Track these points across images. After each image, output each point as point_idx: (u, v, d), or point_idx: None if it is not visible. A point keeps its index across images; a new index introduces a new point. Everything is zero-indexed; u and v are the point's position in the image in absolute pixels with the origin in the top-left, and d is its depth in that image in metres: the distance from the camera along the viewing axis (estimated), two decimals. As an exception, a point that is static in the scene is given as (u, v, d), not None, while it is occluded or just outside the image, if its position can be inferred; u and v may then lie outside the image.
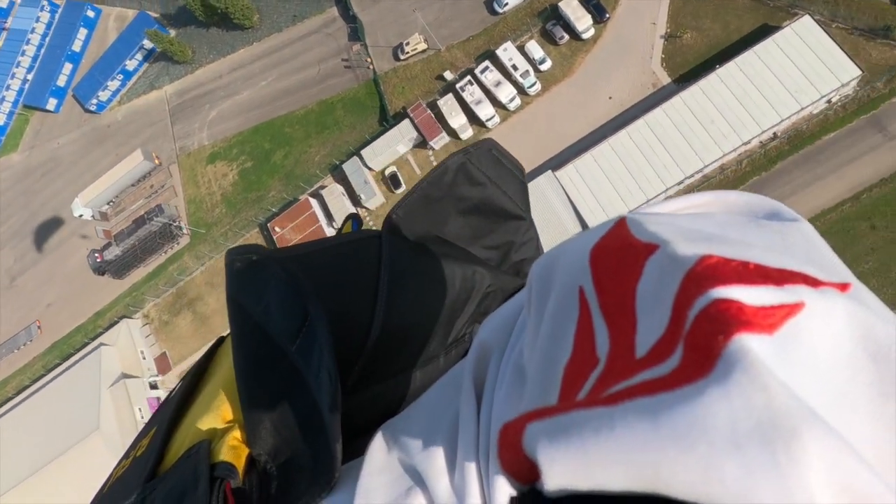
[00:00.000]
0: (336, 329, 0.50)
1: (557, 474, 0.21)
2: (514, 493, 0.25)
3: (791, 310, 0.21)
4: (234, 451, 0.52)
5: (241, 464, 0.51)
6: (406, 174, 23.20)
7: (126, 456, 0.63)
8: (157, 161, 29.31)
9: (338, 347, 0.50)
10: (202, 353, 0.64)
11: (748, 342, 0.21)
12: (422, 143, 23.20)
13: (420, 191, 0.61)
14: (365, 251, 0.58)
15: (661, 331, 0.23)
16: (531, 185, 20.30)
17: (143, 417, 23.63)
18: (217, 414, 0.55)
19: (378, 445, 0.46)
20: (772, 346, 0.21)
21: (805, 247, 0.28)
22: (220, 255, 26.37)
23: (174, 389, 0.63)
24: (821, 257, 0.28)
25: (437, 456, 0.40)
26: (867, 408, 0.22)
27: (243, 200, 26.93)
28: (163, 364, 25.81)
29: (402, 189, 22.80)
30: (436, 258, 0.61)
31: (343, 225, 0.75)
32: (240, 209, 26.75)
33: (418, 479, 0.41)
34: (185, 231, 27.60)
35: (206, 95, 30.15)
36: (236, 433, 0.53)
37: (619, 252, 0.27)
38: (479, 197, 0.65)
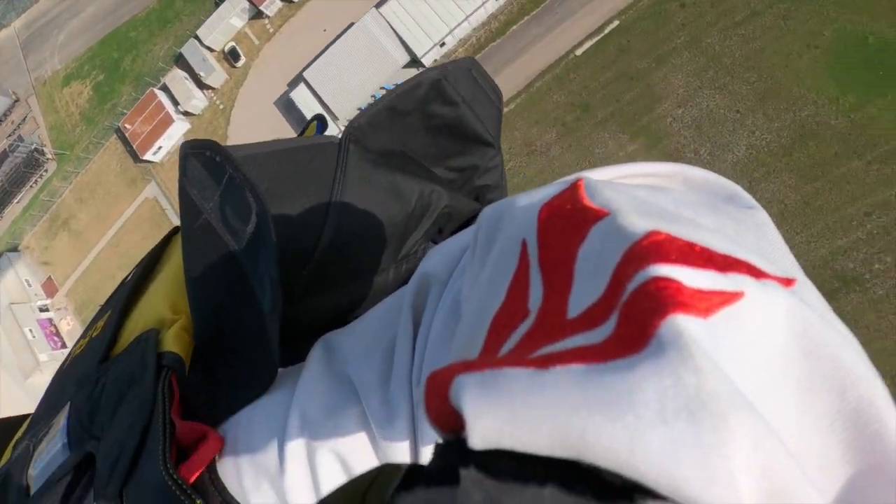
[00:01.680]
0: (286, 233, 0.49)
1: (482, 430, 0.20)
2: (439, 440, 0.24)
3: (729, 297, 0.21)
4: (180, 341, 0.53)
5: (187, 355, 0.52)
6: (245, 48, 22.79)
7: (84, 335, 0.64)
8: (14, 97, 28.37)
9: (287, 253, 0.49)
10: (155, 244, 0.64)
11: (682, 323, 0.20)
12: (257, 15, 22.71)
13: (387, 102, 0.58)
14: (322, 157, 0.56)
15: (597, 297, 0.23)
16: (357, 27, 20.14)
17: (34, 337, 23.50)
18: (167, 303, 0.56)
19: (319, 355, 0.48)
20: (706, 330, 0.20)
21: (756, 235, 0.28)
22: (84, 170, 25.97)
23: (130, 274, 0.64)
24: (771, 248, 0.28)
25: (374, 375, 0.42)
26: (795, 401, 0.22)
27: (100, 113, 26.30)
28: (50, 288, 25.54)
29: (243, 62, 22.46)
30: (394, 172, 0.59)
31: (306, 127, 0.71)
32: (97, 122, 26.21)
33: (353, 392, 0.43)
34: (49, 156, 26.95)
35: (52, 21, 28.94)
36: (184, 323, 0.55)
37: (569, 212, 0.27)
38: (450, 116, 0.62)
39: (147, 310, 0.58)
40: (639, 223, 0.24)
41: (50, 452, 0.53)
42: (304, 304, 0.54)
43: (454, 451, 0.21)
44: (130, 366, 0.52)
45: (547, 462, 0.19)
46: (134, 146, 23.44)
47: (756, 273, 0.22)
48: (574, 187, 0.28)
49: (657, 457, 0.18)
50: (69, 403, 0.55)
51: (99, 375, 0.55)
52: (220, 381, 0.51)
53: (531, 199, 0.30)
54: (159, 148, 22.87)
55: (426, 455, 0.42)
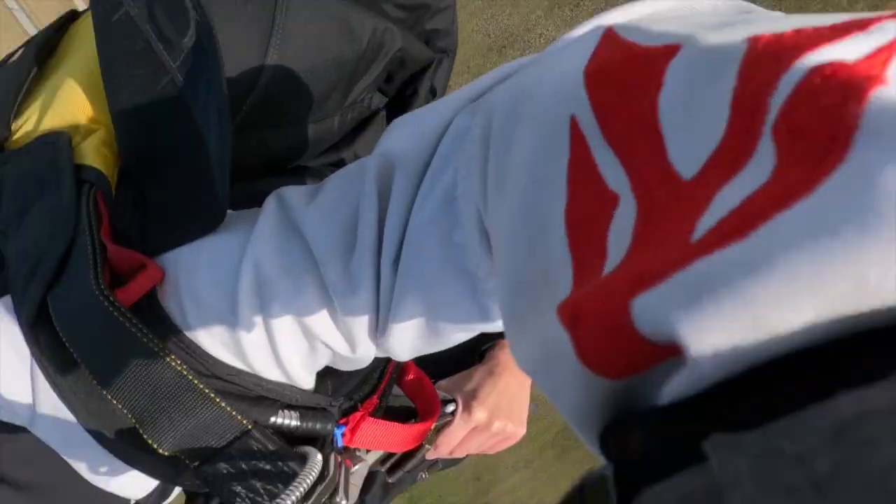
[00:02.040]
0: (226, 62, 0.42)
1: (716, 348, 0.14)
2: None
3: (892, 49, 0.16)
4: (102, 157, 0.46)
5: (111, 174, 0.46)
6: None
7: None
8: None
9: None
10: (48, 25, 0.54)
11: (884, 95, 0.14)
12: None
13: None
14: None
15: (718, 137, 0.17)
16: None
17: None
18: (80, 107, 0.48)
19: (275, 208, 0.42)
20: None
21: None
22: None
23: (14, 54, 0.54)
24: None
25: (333, 244, 0.38)
26: None
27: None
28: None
29: None
30: (346, 4, 0.51)
31: None
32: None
33: (310, 256, 0.39)
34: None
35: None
36: (104, 137, 0.47)
37: (625, 65, 0.22)
38: None
39: (54, 107, 0.49)
40: (727, 38, 0.19)
41: None
42: (243, 139, 0.50)
43: (664, 423, 0.15)
44: (37, 169, 0.46)
45: (809, 365, 0.14)
46: None
47: (879, 20, 0.17)
48: (608, 38, 0.24)
49: None
50: None
51: None
52: (154, 212, 0.46)
53: (560, 68, 0.25)
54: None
55: (400, 341, 0.40)
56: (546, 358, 0.20)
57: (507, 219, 0.26)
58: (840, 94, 0.15)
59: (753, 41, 0.18)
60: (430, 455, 0.65)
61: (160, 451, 0.41)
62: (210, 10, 0.43)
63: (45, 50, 0.54)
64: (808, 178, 0.15)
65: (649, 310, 0.16)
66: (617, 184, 0.21)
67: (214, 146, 0.42)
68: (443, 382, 0.69)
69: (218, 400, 0.41)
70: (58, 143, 0.47)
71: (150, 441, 0.41)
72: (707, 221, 0.16)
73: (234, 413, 0.41)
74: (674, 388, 0.15)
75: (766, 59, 0.17)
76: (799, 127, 0.16)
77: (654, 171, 0.19)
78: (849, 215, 0.13)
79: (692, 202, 0.17)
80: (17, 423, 0.44)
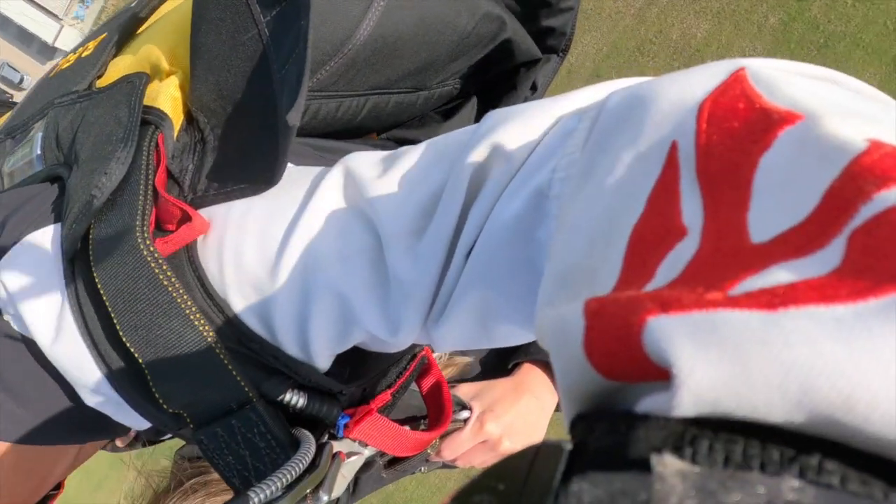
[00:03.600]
0: (318, 13, 0.44)
1: (699, 387, 0.15)
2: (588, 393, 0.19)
3: None
4: (172, 100, 0.47)
5: (177, 118, 0.47)
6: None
7: (74, 51, 0.59)
8: None
9: (315, 43, 0.43)
10: None
11: None
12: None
13: None
14: None
15: (800, 217, 0.18)
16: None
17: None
18: (165, 50, 0.50)
19: (339, 179, 0.41)
20: None
21: None
22: None
23: (136, 2, 0.58)
24: None
25: (403, 225, 0.37)
26: None
27: None
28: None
29: None
30: None
31: None
32: None
33: (371, 233, 0.38)
34: None
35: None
36: (180, 81, 0.48)
37: (744, 113, 0.22)
38: None
39: (143, 50, 0.52)
40: (850, 131, 0.19)
41: (24, 158, 0.52)
42: (316, 99, 0.49)
43: (630, 426, 0.16)
44: (114, 107, 0.47)
45: (774, 439, 0.15)
46: None
47: None
48: (737, 79, 0.23)
49: None
50: (47, 117, 0.53)
51: (80, 101, 0.51)
52: (211, 163, 0.45)
53: (678, 91, 0.24)
54: None
55: (450, 332, 0.38)
56: (559, 336, 0.21)
57: (579, 213, 0.26)
58: None
59: (873, 147, 0.18)
60: (433, 458, 0.64)
61: (165, 406, 0.42)
62: None
63: (159, 2, 0.58)
64: (858, 290, 0.15)
65: (660, 331, 0.16)
66: (691, 220, 0.21)
67: (285, 106, 0.41)
68: (464, 387, 0.67)
69: (231, 368, 0.40)
70: (135, 82, 0.48)
71: (157, 396, 0.41)
72: (751, 283, 0.17)
73: (242, 384, 0.41)
74: (651, 403, 0.17)
75: (876, 168, 0.17)
76: (876, 245, 0.16)
77: (729, 224, 0.20)
78: (870, 339, 0.14)
79: (748, 262, 0.18)
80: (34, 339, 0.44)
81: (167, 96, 0.47)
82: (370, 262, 0.39)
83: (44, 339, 0.43)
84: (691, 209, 0.21)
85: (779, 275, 0.17)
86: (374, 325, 0.39)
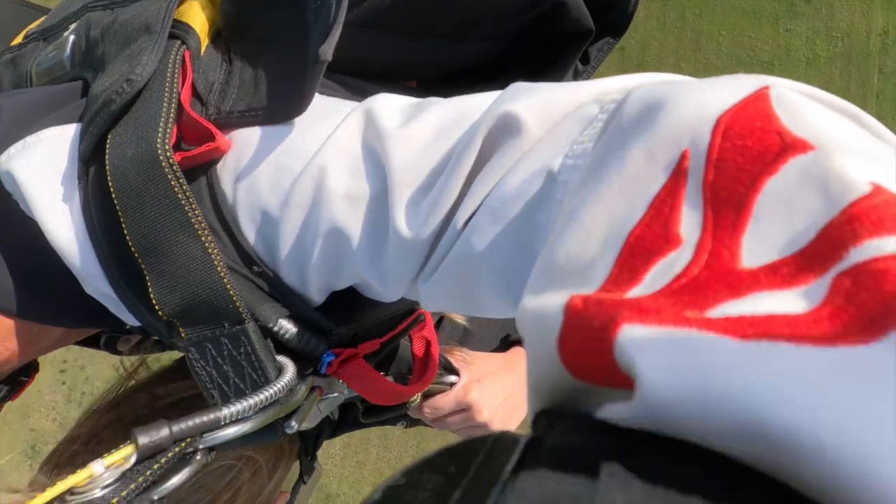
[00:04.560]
0: None
1: (656, 402, 0.15)
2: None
3: None
4: (202, 16, 0.47)
5: (206, 37, 0.47)
6: None
7: None
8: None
9: None
10: None
11: None
12: None
13: None
14: None
15: (791, 250, 0.18)
16: None
17: None
18: None
19: (361, 123, 0.40)
20: None
21: None
22: None
23: None
24: None
25: (414, 177, 0.37)
26: None
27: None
28: None
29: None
30: None
31: None
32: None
33: (380, 182, 0.38)
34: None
35: None
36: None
37: (758, 133, 0.21)
38: None
39: None
40: (856, 172, 0.19)
41: (54, 59, 0.53)
42: (350, 37, 0.44)
43: (588, 430, 0.17)
44: (145, 17, 0.47)
45: (716, 465, 0.15)
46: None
47: None
48: (760, 97, 0.23)
49: None
50: (80, 20, 0.54)
51: (114, 6, 0.52)
52: (236, 84, 0.45)
53: (699, 100, 0.24)
54: None
55: (436, 294, 0.39)
56: (536, 326, 0.21)
57: (582, 204, 0.26)
58: None
59: (875, 191, 0.18)
60: (413, 414, 0.65)
61: (160, 312, 0.43)
62: None
63: None
64: (830, 336, 0.16)
65: (632, 339, 0.17)
66: (688, 233, 0.21)
67: (317, 39, 0.40)
68: (458, 352, 0.68)
69: (228, 287, 0.41)
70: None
71: (153, 300, 0.42)
72: (732, 308, 0.18)
73: (237, 304, 0.42)
74: (612, 410, 0.17)
75: (873, 214, 0.18)
76: (855, 292, 0.16)
77: (723, 243, 0.20)
78: (831, 386, 0.15)
79: (734, 285, 0.19)
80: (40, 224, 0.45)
81: (197, 12, 0.47)
82: (373, 207, 0.39)
83: (50, 227, 0.44)
84: (690, 221, 0.21)
85: (761, 303, 0.17)
86: (365, 268, 0.40)
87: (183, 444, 0.41)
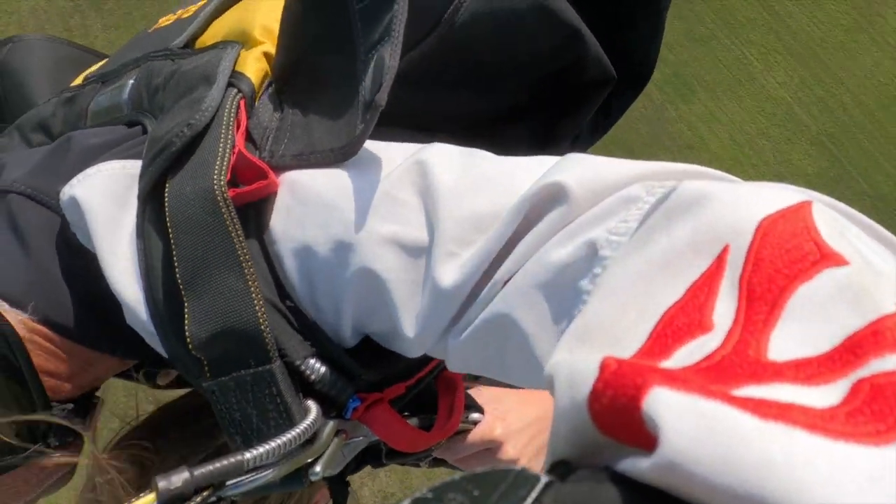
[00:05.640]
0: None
1: (679, 464, 0.17)
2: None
3: None
4: (257, 67, 0.50)
5: (260, 86, 0.50)
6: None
7: (174, 12, 0.63)
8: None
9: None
10: None
11: None
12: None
13: None
14: None
15: (815, 351, 0.20)
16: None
17: None
18: (259, 23, 0.52)
19: (415, 169, 0.42)
20: None
21: None
22: None
23: None
24: None
25: (457, 231, 0.38)
26: None
27: None
28: None
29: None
30: None
31: None
32: None
33: (421, 229, 0.40)
34: None
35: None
36: (267, 48, 0.51)
37: (798, 241, 0.24)
38: None
39: (240, 19, 0.54)
40: (884, 294, 0.21)
41: (112, 100, 0.55)
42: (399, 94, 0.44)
43: (606, 480, 0.18)
44: (206, 67, 0.49)
45: None
46: None
47: None
48: (803, 210, 0.25)
49: None
50: (140, 68, 0.56)
51: (174, 57, 0.54)
52: (289, 128, 0.47)
53: (749, 201, 0.26)
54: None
55: (464, 353, 0.40)
56: (567, 381, 0.22)
57: (622, 278, 0.28)
58: None
59: None
60: (437, 454, 0.63)
61: (189, 344, 0.43)
62: None
63: None
64: (843, 433, 0.17)
65: (659, 400, 0.18)
66: (721, 321, 0.23)
67: (369, 86, 0.42)
68: (483, 388, 0.66)
69: (262, 322, 0.42)
70: (227, 48, 0.51)
71: (187, 332, 0.43)
72: (754, 391, 0.19)
73: (267, 342, 0.42)
74: (631, 464, 0.18)
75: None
76: (872, 398, 0.18)
77: (753, 335, 0.22)
78: (839, 480, 0.15)
79: (758, 373, 0.20)
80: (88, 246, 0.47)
81: (253, 62, 0.50)
82: (415, 255, 0.40)
83: (104, 256, 0.46)
84: (723, 309, 0.23)
85: (781, 392, 0.19)
86: (398, 315, 0.41)
87: (206, 493, 0.40)
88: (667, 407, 0.17)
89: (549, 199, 0.36)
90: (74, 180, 0.48)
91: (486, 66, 0.54)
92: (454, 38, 0.50)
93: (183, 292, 0.43)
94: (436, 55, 0.50)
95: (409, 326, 0.41)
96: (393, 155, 0.45)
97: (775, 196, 0.26)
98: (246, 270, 0.42)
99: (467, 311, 0.38)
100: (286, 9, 0.50)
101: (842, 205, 0.28)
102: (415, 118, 0.54)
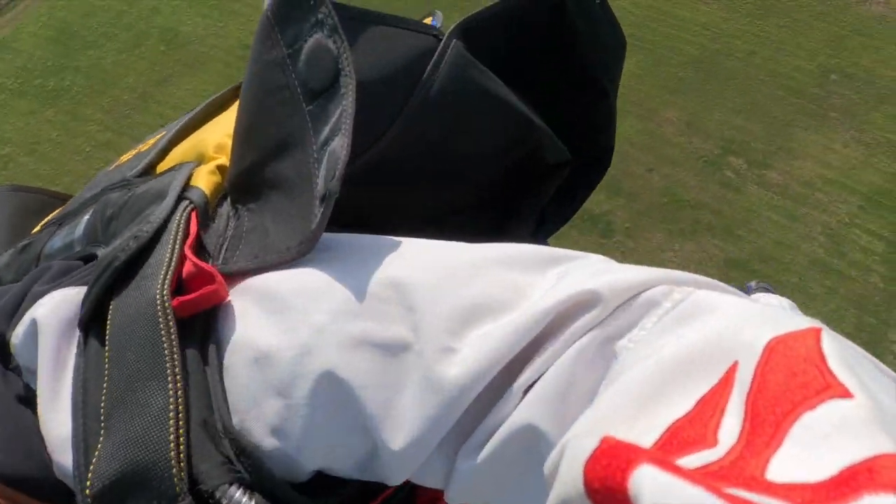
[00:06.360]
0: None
1: None
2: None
3: None
4: (210, 178, 0.49)
5: (213, 194, 0.48)
6: None
7: (135, 147, 0.64)
8: None
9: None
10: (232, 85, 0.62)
11: None
12: None
13: (505, 10, 0.56)
14: (420, 47, 0.48)
15: (814, 478, 0.20)
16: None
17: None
18: (214, 142, 0.52)
19: (379, 257, 0.40)
20: None
21: None
22: None
23: (196, 108, 0.63)
24: None
25: (446, 323, 0.36)
26: None
27: None
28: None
29: None
30: (501, 89, 0.50)
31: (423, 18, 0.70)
32: None
33: (412, 323, 0.36)
34: None
35: None
36: (221, 162, 0.50)
37: (805, 367, 0.24)
38: (576, 42, 0.58)
39: (197, 142, 0.55)
40: (884, 433, 0.22)
41: (65, 240, 0.55)
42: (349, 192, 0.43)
43: None
44: (159, 187, 0.49)
45: None
46: None
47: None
48: (811, 336, 0.26)
49: None
50: (97, 203, 0.55)
51: (129, 185, 0.54)
52: (242, 235, 0.45)
53: (762, 321, 0.27)
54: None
55: (483, 472, 0.35)
56: (569, 455, 0.24)
57: (632, 379, 0.29)
58: None
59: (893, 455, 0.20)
60: None
61: (88, 489, 0.36)
62: (363, 60, 0.45)
63: (217, 105, 0.61)
64: None
65: (645, 475, 0.19)
66: (724, 437, 0.23)
67: (324, 177, 0.41)
68: None
69: (173, 448, 0.36)
70: (182, 167, 0.50)
71: (90, 470, 0.36)
72: (744, 494, 0.20)
73: (176, 478, 0.35)
74: None
75: (886, 475, 0.20)
76: None
77: (754, 455, 0.22)
78: None
79: (751, 484, 0.21)
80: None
81: (207, 175, 0.49)
82: (393, 354, 0.36)
83: (42, 401, 0.42)
84: (729, 427, 0.24)
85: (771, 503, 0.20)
86: (376, 426, 0.36)
87: None
88: (652, 483, 0.19)
89: (583, 305, 0.34)
90: (26, 315, 0.44)
91: (449, 162, 0.52)
92: (414, 131, 0.48)
93: (102, 424, 0.37)
94: (395, 148, 0.49)
95: (395, 437, 0.35)
96: (359, 246, 0.42)
97: (787, 319, 0.27)
98: (170, 385, 0.37)
99: (481, 423, 0.34)
100: (237, 121, 0.49)
101: (852, 343, 0.28)
102: (380, 212, 0.52)
